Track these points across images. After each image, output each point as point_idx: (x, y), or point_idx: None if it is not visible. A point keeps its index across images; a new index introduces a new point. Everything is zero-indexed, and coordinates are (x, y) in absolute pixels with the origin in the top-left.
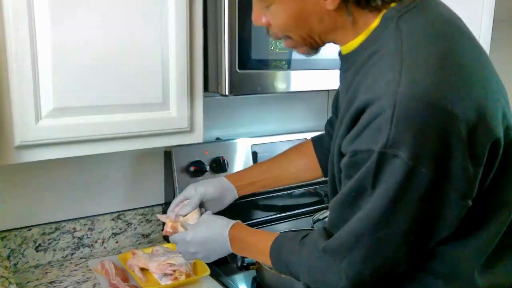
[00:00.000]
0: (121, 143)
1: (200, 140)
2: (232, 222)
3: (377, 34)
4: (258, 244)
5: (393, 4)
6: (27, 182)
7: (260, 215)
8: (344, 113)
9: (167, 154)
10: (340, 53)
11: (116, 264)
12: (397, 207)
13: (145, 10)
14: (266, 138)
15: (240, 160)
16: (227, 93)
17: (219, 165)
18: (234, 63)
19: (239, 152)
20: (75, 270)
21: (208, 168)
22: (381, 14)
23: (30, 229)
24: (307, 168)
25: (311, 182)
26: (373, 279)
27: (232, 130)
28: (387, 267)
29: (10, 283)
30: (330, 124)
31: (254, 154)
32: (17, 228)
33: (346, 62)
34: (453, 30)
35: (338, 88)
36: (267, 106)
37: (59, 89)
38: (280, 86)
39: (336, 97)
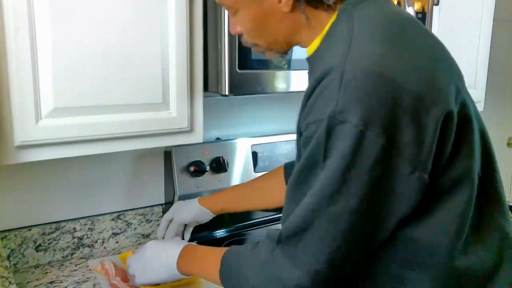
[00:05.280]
0: (121, 143)
1: (200, 140)
2: (185, 242)
3: (334, 25)
4: (209, 257)
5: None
6: (27, 182)
7: (260, 215)
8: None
9: (167, 154)
10: (307, 57)
11: (116, 264)
12: (349, 177)
13: (145, 10)
14: (266, 138)
15: (240, 160)
16: (227, 93)
17: (219, 165)
18: (234, 63)
19: (239, 152)
20: (75, 270)
21: (208, 168)
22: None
23: (30, 229)
24: (276, 195)
25: None
26: (331, 268)
27: (232, 130)
28: (345, 254)
29: (10, 283)
30: None
31: (254, 154)
32: (17, 228)
33: (311, 62)
34: (403, 18)
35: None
36: (267, 106)
37: (59, 89)
38: (280, 86)
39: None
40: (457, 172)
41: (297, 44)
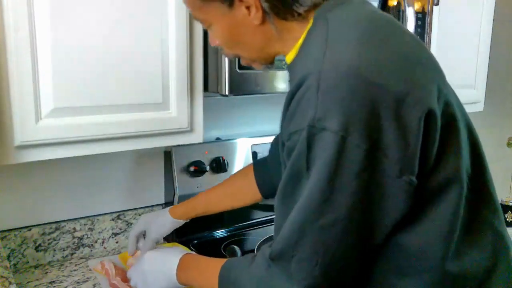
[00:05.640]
0: (121, 143)
1: (200, 140)
2: (184, 251)
3: (310, 32)
4: (208, 268)
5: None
6: (27, 182)
7: (260, 215)
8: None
9: (167, 154)
10: (287, 66)
11: (116, 264)
12: (335, 186)
13: (146, 10)
14: (266, 138)
15: (240, 160)
16: (227, 93)
17: (219, 165)
18: (234, 63)
19: (239, 152)
20: (75, 270)
21: (208, 168)
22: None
23: (30, 229)
24: (248, 193)
25: None
26: (328, 281)
27: (232, 130)
28: (339, 265)
29: (10, 283)
30: (276, 141)
31: (254, 154)
32: (17, 228)
33: (291, 70)
34: (380, 18)
35: None
36: (267, 106)
37: (59, 89)
38: (280, 86)
39: None
40: (445, 174)
41: (278, 54)
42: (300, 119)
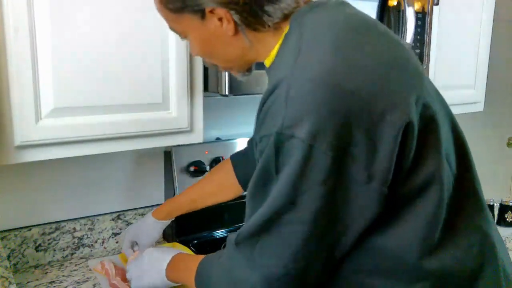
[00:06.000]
0: (121, 143)
1: (200, 140)
2: (179, 251)
3: (286, 36)
4: (189, 266)
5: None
6: (27, 182)
7: None
8: None
9: (167, 154)
10: (266, 69)
11: (116, 264)
12: (301, 191)
13: (145, 10)
14: None
15: None
16: (227, 93)
17: None
18: None
19: None
20: (75, 270)
21: (208, 168)
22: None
23: (30, 229)
24: (229, 188)
25: None
26: (289, 276)
27: (232, 130)
28: (301, 264)
29: (10, 283)
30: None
31: None
32: (17, 228)
33: (268, 74)
34: (359, 21)
35: None
36: None
37: (59, 89)
38: None
39: None
40: (423, 176)
41: (253, 62)
42: (270, 125)
